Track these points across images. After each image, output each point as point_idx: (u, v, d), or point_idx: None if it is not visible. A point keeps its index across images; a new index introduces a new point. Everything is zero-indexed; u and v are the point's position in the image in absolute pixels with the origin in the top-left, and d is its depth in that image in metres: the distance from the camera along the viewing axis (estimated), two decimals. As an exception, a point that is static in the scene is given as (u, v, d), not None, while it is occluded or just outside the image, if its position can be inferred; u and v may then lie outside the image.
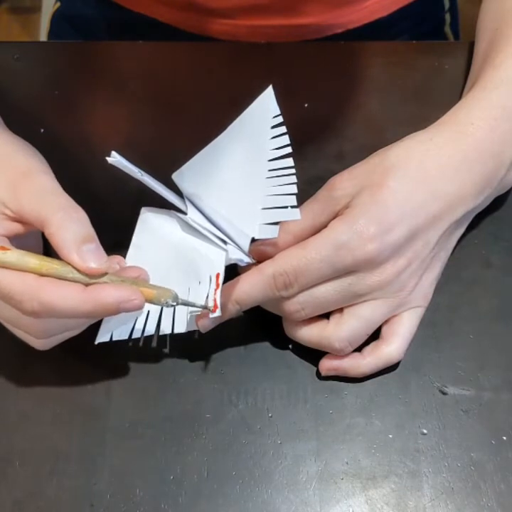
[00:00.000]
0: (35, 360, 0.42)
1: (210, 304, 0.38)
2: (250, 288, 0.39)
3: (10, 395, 0.41)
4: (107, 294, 0.35)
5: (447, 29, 0.70)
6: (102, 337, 0.40)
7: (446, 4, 0.69)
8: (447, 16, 0.69)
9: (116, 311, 0.36)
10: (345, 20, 0.62)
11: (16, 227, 0.38)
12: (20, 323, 0.38)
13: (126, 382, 0.41)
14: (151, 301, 0.37)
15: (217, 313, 0.38)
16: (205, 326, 0.40)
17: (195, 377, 0.41)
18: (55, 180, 0.39)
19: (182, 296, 0.41)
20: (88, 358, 0.42)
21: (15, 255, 0.36)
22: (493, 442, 0.39)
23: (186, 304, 0.39)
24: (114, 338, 0.40)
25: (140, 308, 0.36)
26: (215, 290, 0.38)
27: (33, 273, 0.36)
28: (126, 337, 0.41)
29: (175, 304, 0.38)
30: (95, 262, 0.36)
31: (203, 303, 0.39)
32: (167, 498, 0.38)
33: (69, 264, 0.36)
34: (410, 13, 0.64)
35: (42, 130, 0.51)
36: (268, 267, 0.39)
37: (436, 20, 0.69)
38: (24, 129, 0.48)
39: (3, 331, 0.43)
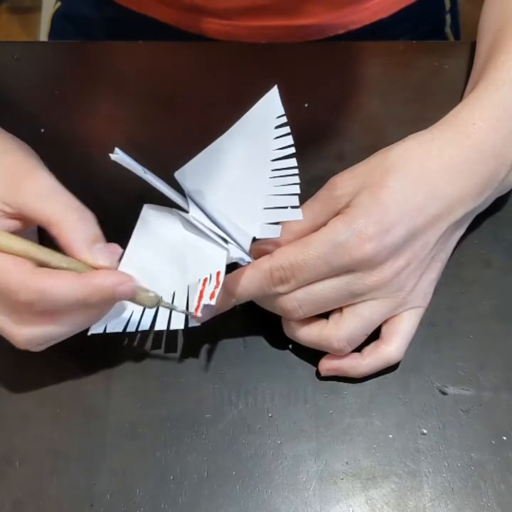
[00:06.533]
0: (35, 360, 0.42)
1: (192, 310, 0.38)
2: (246, 282, 0.39)
3: (10, 395, 0.41)
4: (103, 277, 0.36)
5: (448, 30, 0.70)
6: (96, 328, 0.40)
7: (447, 5, 0.69)
8: (448, 17, 0.69)
9: (112, 295, 0.36)
10: (347, 21, 0.62)
11: (14, 224, 0.38)
12: (5, 332, 0.37)
13: (126, 382, 0.41)
14: (132, 299, 0.38)
15: (213, 302, 0.38)
16: (199, 318, 0.40)
17: (195, 377, 0.41)
18: (56, 179, 0.39)
19: (181, 293, 0.41)
20: (88, 358, 0.42)
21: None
22: (493, 442, 0.39)
23: (167, 307, 0.39)
24: (108, 330, 0.40)
25: (134, 292, 0.37)
26: (215, 287, 0.38)
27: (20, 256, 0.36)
28: (121, 330, 0.41)
29: (155, 306, 0.39)
30: (106, 260, 0.37)
31: (189, 309, 0.39)
32: (167, 498, 0.38)
33: (57, 253, 0.37)
34: (411, 14, 0.64)
35: (42, 130, 0.51)
36: (265, 262, 0.39)
37: (436, 21, 0.69)
38: (24, 129, 0.48)
39: (3, 331, 0.43)
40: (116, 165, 0.38)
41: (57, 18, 0.72)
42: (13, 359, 0.42)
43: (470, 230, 0.44)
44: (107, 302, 0.37)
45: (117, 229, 0.43)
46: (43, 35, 0.76)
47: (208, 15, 0.60)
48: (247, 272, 0.39)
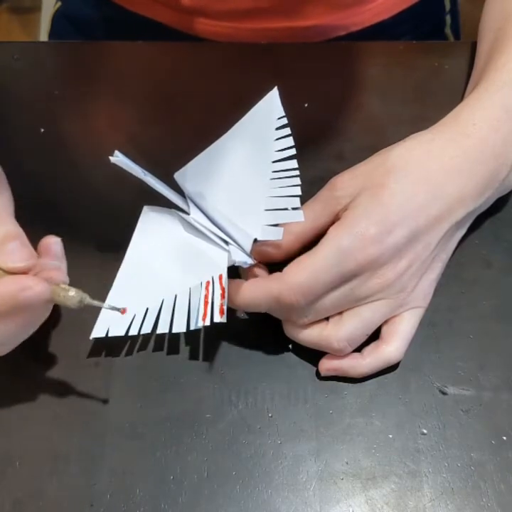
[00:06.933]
0: (35, 360, 0.42)
1: (200, 318, 0.38)
2: (254, 303, 0.39)
3: (9, 396, 0.41)
4: (2, 285, 0.34)
5: (448, 30, 0.70)
6: (98, 332, 0.40)
7: (447, 6, 0.69)
8: (448, 18, 0.69)
9: (15, 302, 0.34)
10: (348, 23, 0.62)
11: None
12: None
13: (126, 382, 0.41)
14: (53, 299, 0.36)
15: (223, 319, 0.38)
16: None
17: (195, 377, 0.41)
18: None
19: (183, 296, 0.41)
20: (88, 358, 0.42)
21: None
22: (493, 442, 0.39)
23: (96, 305, 0.37)
24: (110, 334, 0.40)
25: (40, 297, 0.34)
26: (222, 294, 0.38)
27: None
28: (123, 333, 0.40)
29: (77, 306, 0.36)
30: (19, 261, 0.35)
31: (195, 316, 0.39)
32: (167, 498, 0.38)
33: None
34: (411, 15, 0.64)
35: (42, 130, 0.51)
36: (274, 285, 0.38)
37: (436, 22, 0.69)
38: (24, 129, 0.48)
39: (3, 331, 0.43)
40: (117, 165, 0.38)
41: (57, 18, 0.72)
42: (12, 359, 0.42)
43: (470, 230, 0.44)
44: (19, 309, 0.35)
45: (117, 229, 0.43)
46: (43, 35, 0.76)
47: (208, 17, 0.60)
48: (255, 293, 0.39)
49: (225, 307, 0.38)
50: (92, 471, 0.39)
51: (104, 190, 0.48)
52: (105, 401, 0.41)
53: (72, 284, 0.37)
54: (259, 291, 0.39)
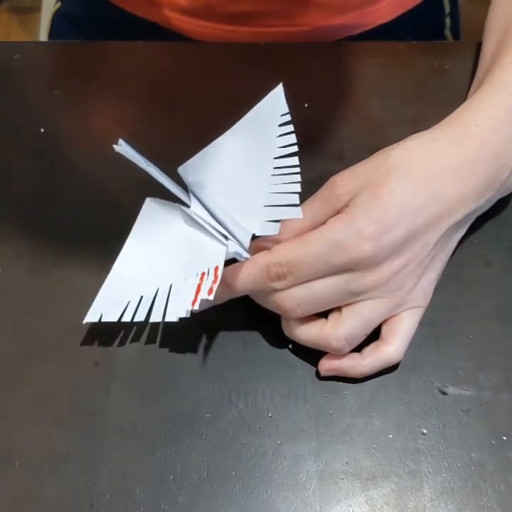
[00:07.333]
0: (35, 360, 0.42)
1: (189, 303, 0.38)
2: (243, 276, 0.39)
3: (10, 395, 0.41)
4: None
5: (447, 32, 0.70)
6: (91, 317, 0.41)
7: (447, 8, 0.69)
8: (448, 20, 0.69)
9: None
10: (347, 27, 0.61)
11: None
12: None
13: (126, 382, 0.41)
14: None
15: (211, 297, 0.38)
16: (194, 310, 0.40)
17: (195, 377, 0.41)
18: None
19: (178, 286, 0.41)
20: (88, 357, 0.42)
21: None
22: (493, 442, 0.39)
23: None
24: (103, 319, 0.41)
25: None
26: (213, 282, 0.38)
27: None
28: (116, 319, 0.41)
29: None
30: None
31: (185, 301, 0.39)
32: (167, 498, 0.38)
33: None
34: (411, 18, 0.64)
35: (42, 130, 0.51)
36: (262, 258, 0.39)
37: (436, 25, 0.69)
38: (24, 129, 0.48)
39: (3, 331, 0.43)
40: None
41: (57, 18, 0.72)
42: (12, 359, 0.42)
43: (470, 230, 0.44)
44: None
45: (118, 228, 0.43)
46: (43, 35, 0.76)
47: (206, 20, 0.60)
48: (245, 267, 0.39)
49: (214, 289, 0.38)
50: (92, 471, 0.39)
51: (104, 190, 0.48)
52: (105, 401, 0.41)
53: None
54: (247, 262, 0.39)
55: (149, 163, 0.40)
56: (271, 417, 0.40)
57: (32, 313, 0.43)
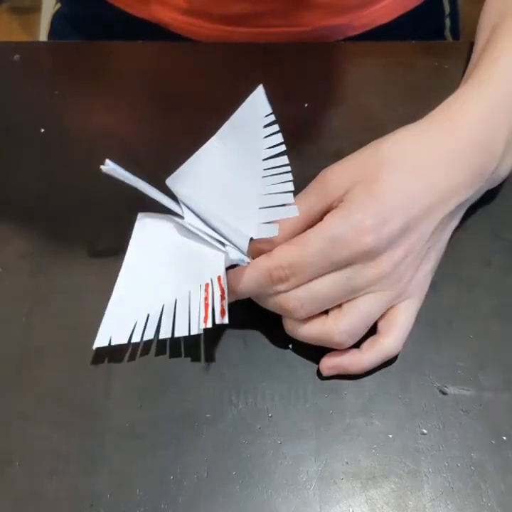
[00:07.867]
0: (35, 360, 0.42)
1: (201, 321, 0.38)
2: (246, 281, 0.39)
3: (10, 395, 0.41)
4: None
5: (447, 33, 0.70)
6: (100, 341, 0.40)
7: (446, 9, 0.69)
8: (447, 21, 0.69)
9: None
10: (346, 28, 0.61)
11: None
12: None
13: (126, 382, 0.41)
14: None
15: (225, 320, 0.37)
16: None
17: (195, 377, 0.41)
18: None
19: (183, 299, 0.40)
20: (88, 358, 0.42)
21: None
22: (493, 442, 0.39)
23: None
24: (112, 343, 0.40)
25: None
26: (222, 295, 0.38)
27: None
28: (125, 341, 0.41)
29: None
30: None
31: (195, 318, 0.39)
32: (167, 498, 0.38)
33: None
34: (410, 19, 0.64)
35: (42, 130, 0.51)
36: (263, 262, 0.39)
37: (436, 26, 0.69)
38: (24, 129, 0.48)
39: (3, 331, 0.43)
40: (110, 174, 0.38)
41: (57, 18, 0.72)
42: (13, 359, 0.42)
43: (470, 229, 0.44)
44: None
45: (118, 227, 0.43)
46: (43, 35, 0.76)
47: (206, 20, 0.60)
48: (247, 271, 0.39)
49: (226, 308, 0.38)
50: (92, 471, 0.39)
51: (104, 190, 0.48)
52: (105, 401, 0.41)
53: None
54: (249, 267, 0.39)
55: (138, 179, 0.40)
56: (271, 417, 0.40)
57: (32, 313, 0.43)
